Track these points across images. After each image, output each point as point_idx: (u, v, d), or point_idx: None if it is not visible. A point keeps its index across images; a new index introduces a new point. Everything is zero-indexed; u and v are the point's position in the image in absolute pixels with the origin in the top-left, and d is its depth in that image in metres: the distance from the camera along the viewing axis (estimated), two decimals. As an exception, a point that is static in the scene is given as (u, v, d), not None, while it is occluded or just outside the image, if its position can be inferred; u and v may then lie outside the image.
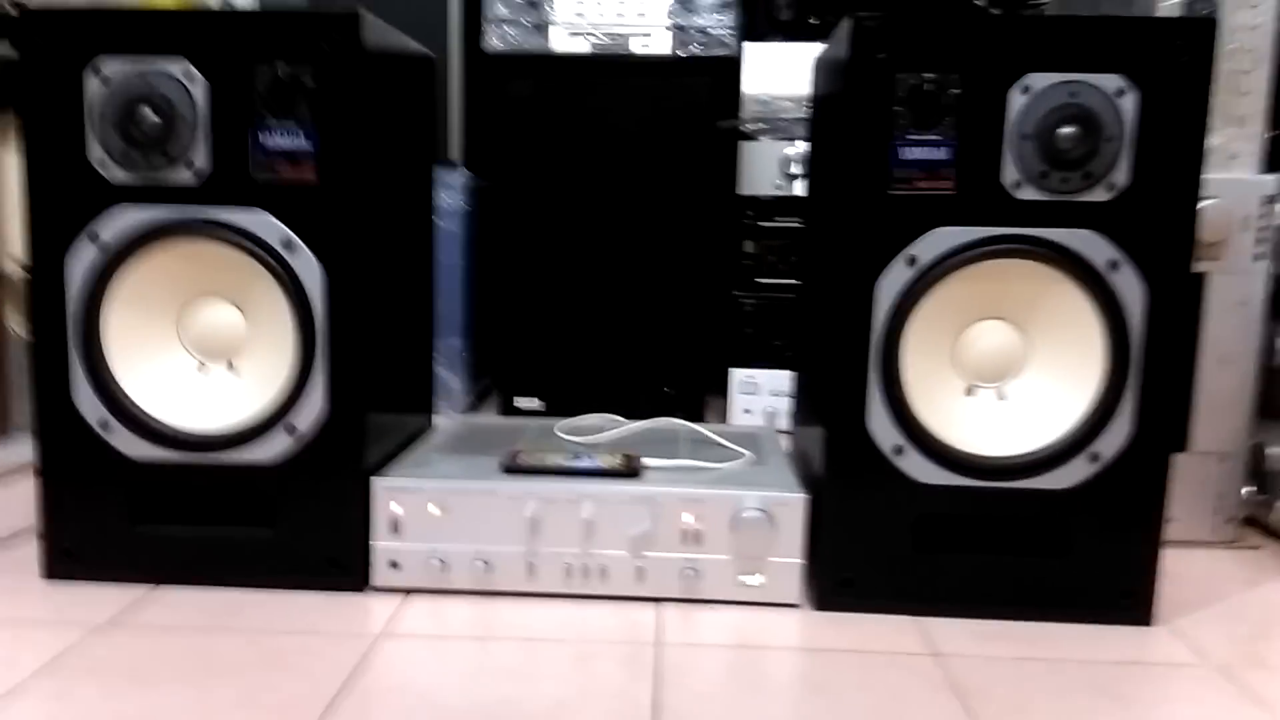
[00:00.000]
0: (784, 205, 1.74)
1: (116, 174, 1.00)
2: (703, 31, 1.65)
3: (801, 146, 1.71)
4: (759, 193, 1.73)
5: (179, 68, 0.99)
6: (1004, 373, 1.04)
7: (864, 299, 1.00)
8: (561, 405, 1.76)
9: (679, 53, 1.66)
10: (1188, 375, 1.24)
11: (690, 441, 1.24)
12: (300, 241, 1.00)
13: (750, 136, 1.72)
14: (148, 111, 0.98)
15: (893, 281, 1.00)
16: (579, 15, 1.64)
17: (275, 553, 1.05)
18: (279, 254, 1.00)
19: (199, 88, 0.99)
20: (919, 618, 1.03)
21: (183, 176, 1.00)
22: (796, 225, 1.74)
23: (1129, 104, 0.97)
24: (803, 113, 1.71)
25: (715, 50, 1.66)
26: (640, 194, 1.74)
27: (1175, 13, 1.26)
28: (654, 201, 1.74)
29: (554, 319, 1.78)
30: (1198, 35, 0.97)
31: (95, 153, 1.00)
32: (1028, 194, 0.99)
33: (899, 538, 1.03)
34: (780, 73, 1.70)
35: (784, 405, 1.77)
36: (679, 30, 1.65)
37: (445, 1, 1.69)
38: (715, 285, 1.78)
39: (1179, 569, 1.19)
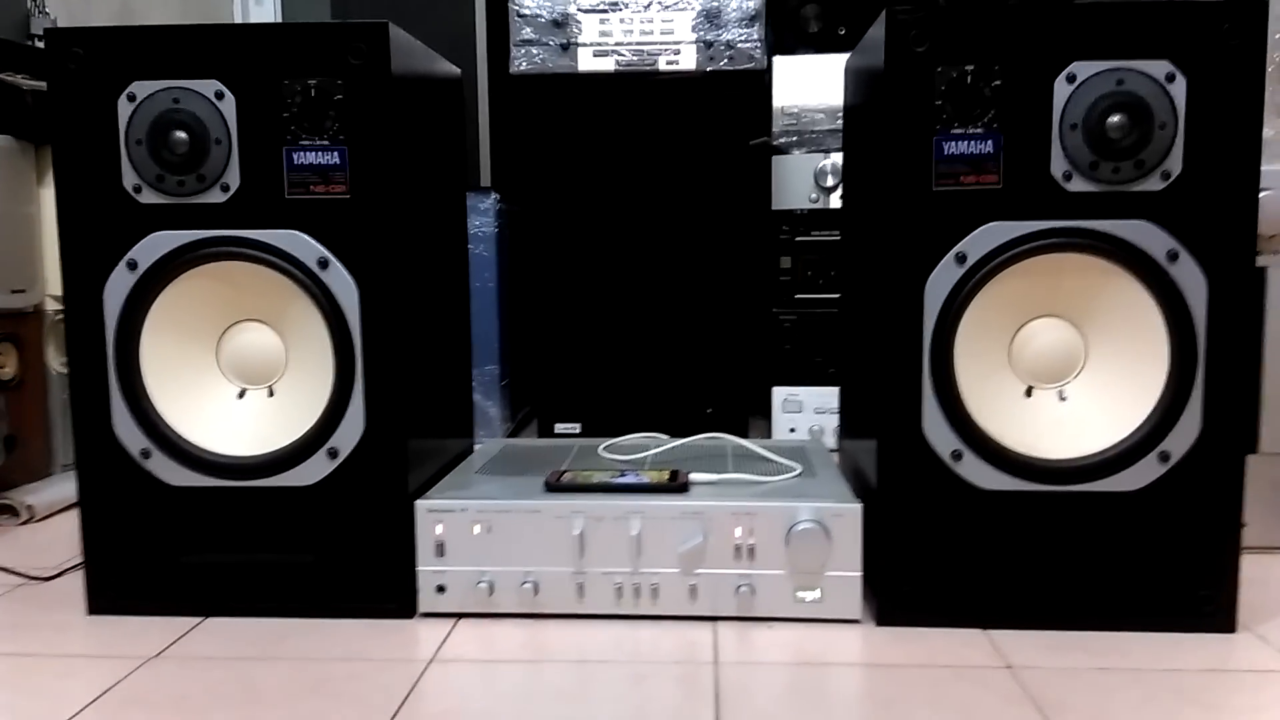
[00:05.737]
0: (820, 219, 1.71)
1: (150, 198, 0.99)
2: (730, 46, 1.63)
3: (835, 158, 1.68)
4: (794, 207, 1.71)
5: (210, 87, 0.98)
6: (1063, 372, 1.00)
7: (913, 300, 0.97)
8: (602, 430, 1.73)
9: (707, 68, 1.65)
10: (1254, 371, 1.19)
11: (737, 457, 1.20)
12: (335, 259, 0.99)
13: (783, 150, 1.70)
14: (180, 134, 0.97)
15: (942, 280, 0.97)
16: (604, 34, 1.64)
17: (321, 580, 1.02)
18: (314, 273, 0.99)
19: (229, 106, 0.98)
20: (986, 630, 0.98)
21: (216, 197, 0.99)
22: (833, 239, 1.71)
23: (1179, 90, 0.94)
24: (835, 124, 1.69)
25: (743, 65, 1.65)
26: (673, 213, 1.72)
27: None
28: (688, 220, 1.72)
29: (591, 343, 1.76)
30: (1247, 17, 0.94)
31: (129, 178, 0.99)
32: (1078, 185, 0.96)
33: (961, 547, 0.99)
34: (810, 85, 1.68)
35: (829, 422, 1.73)
36: (706, 46, 1.64)
37: (471, 25, 1.69)
38: (753, 303, 1.76)
39: (1256, 574, 1.14)
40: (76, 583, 1.07)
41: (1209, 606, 0.97)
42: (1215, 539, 0.97)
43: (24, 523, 1.40)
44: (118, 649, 0.96)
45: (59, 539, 1.33)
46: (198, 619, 1.02)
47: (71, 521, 1.38)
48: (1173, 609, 0.98)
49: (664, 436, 1.30)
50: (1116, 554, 0.98)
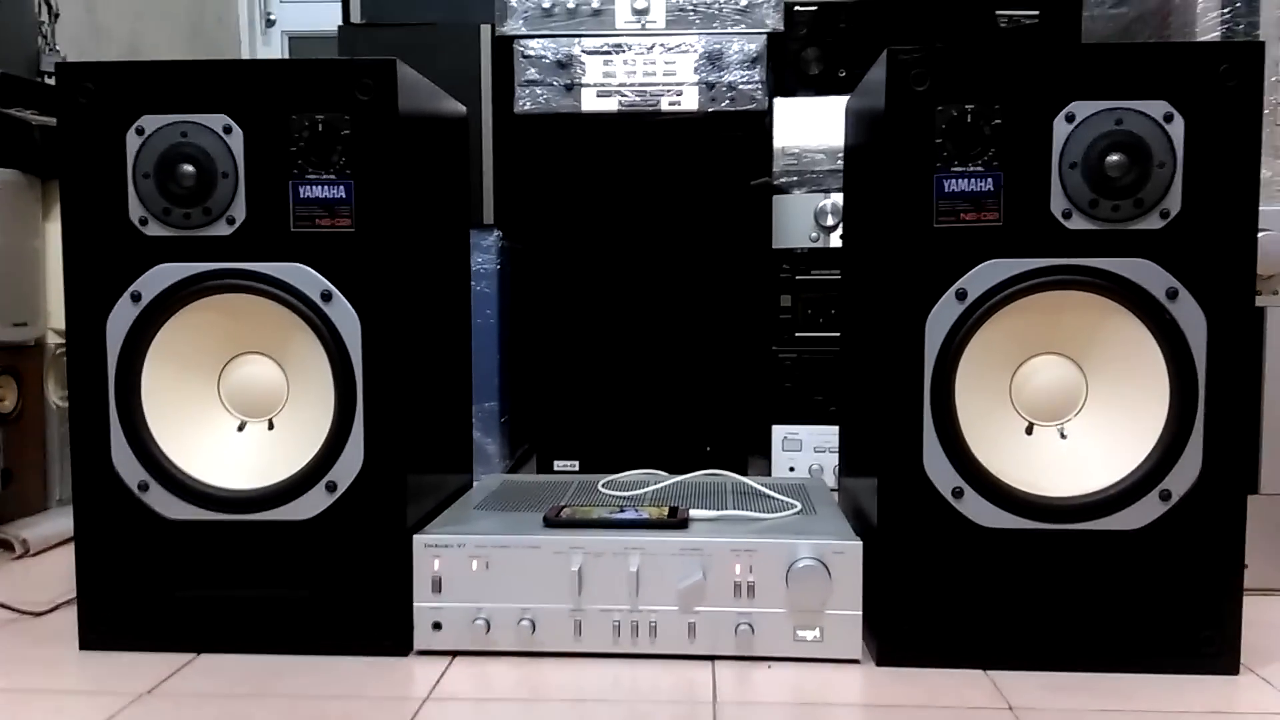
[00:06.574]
0: (820, 258, 1.72)
1: (156, 230, 1.00)
2: (732, 87, 1.65)
3: (835, 198, 1.70)
4: (794, 246, 1.72)
5: (218, 121, 0.99)
6: (1064, 409, 1.00)
7: (913, 336, 0.97)
8: (601, 468, 1.72)
9: (708, 109, 1.66)
10: (1254, 410, 1.19)
11: (736, 494, 1.20)
12: (338, 293, 0.99)
13: (783, 190, 1.71)
14: (188, 167, 0.98)
15: (942, 317, 0.97)
16: (608, 75, 1.66)
17: (316, 616, 1.01)
18: (317, 306, 0.99)
19: (237, 140, 0.99)
20: (987, 670, 0.97)
21: (222, 230, 1.00)
22: (834, 278, 1.72)
23: (1177, 129, 0.95)
24: (835, 165, 1.70)
25: (745, 106, 1.66)
26: (674, 251, 1.73)
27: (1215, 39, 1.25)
28: (688, 259, 1.73)
29: (591, 380, 1.75)
30: (1244, 59, 0.95)
31: (135, 211, 1.00)
32: (1078, 223, 0.96)
33: (962, 586, 0.98)
34: (811, 126, 1.70)
35: (829, 461, 1.72)
36: (708, 87, 1.66)
37: (477, 64, 1.71)
38: (753, 341, 1.76)
39: (1258, 616, 1.12)
40: (69, 618, 1.06)
41: (1211, 648, 0.96)
42: (1217, 579, 0.96)
43: (18, 557, 1.39)
44: (109, 685, 0.94)
45: (53, 574, 1.31)
46: (191, 655, 1.01)
47: (66, 556, 1.37)
48: (1175, 650, 0.97)
49: (663, 473, 1.30)
50: (1118, 594, 0.97)
